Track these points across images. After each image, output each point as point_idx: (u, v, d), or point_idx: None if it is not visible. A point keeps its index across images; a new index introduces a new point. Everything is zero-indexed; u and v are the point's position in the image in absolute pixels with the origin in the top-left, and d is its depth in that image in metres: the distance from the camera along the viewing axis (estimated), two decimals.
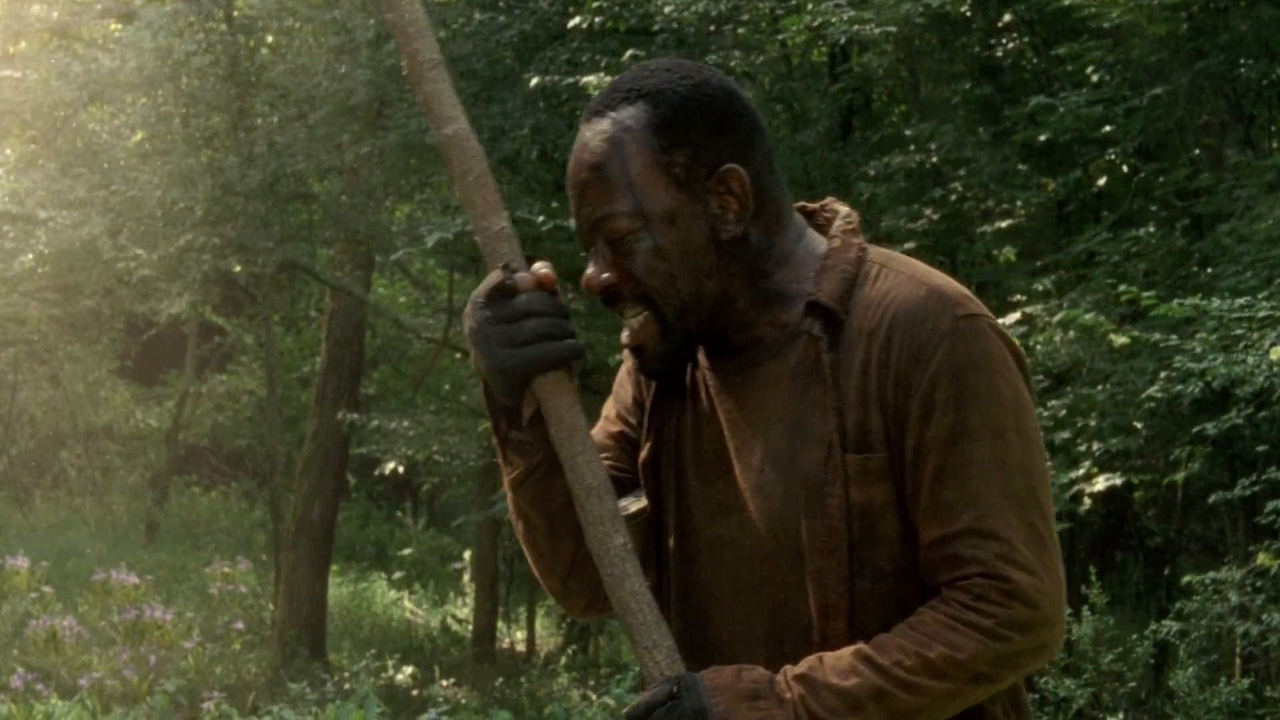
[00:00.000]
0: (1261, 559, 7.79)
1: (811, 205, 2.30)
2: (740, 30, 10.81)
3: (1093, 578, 7.90)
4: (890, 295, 2.14)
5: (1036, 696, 7.94)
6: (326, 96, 12.24)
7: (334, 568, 15.93)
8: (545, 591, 2.38)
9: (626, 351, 2.28)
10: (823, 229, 2.26)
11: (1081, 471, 8.33)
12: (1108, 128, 9.25)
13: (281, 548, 14.30)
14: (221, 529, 19.41)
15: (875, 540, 2.12)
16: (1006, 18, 10.05)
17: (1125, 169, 9.86)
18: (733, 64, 10.70)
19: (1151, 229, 9.14)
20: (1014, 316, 8.81)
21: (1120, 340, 8.10)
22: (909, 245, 9.67)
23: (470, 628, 15.69)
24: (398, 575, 18.70)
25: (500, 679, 13.53)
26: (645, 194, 2.15)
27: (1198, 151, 9.88)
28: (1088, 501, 8.45)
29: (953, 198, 9.91)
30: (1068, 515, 8.50)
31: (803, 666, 2.08)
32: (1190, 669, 7.56)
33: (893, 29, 9.48)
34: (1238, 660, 8.42)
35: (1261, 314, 7.33)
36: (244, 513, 20.49)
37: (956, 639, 2.05)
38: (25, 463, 20.40)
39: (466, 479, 16.27)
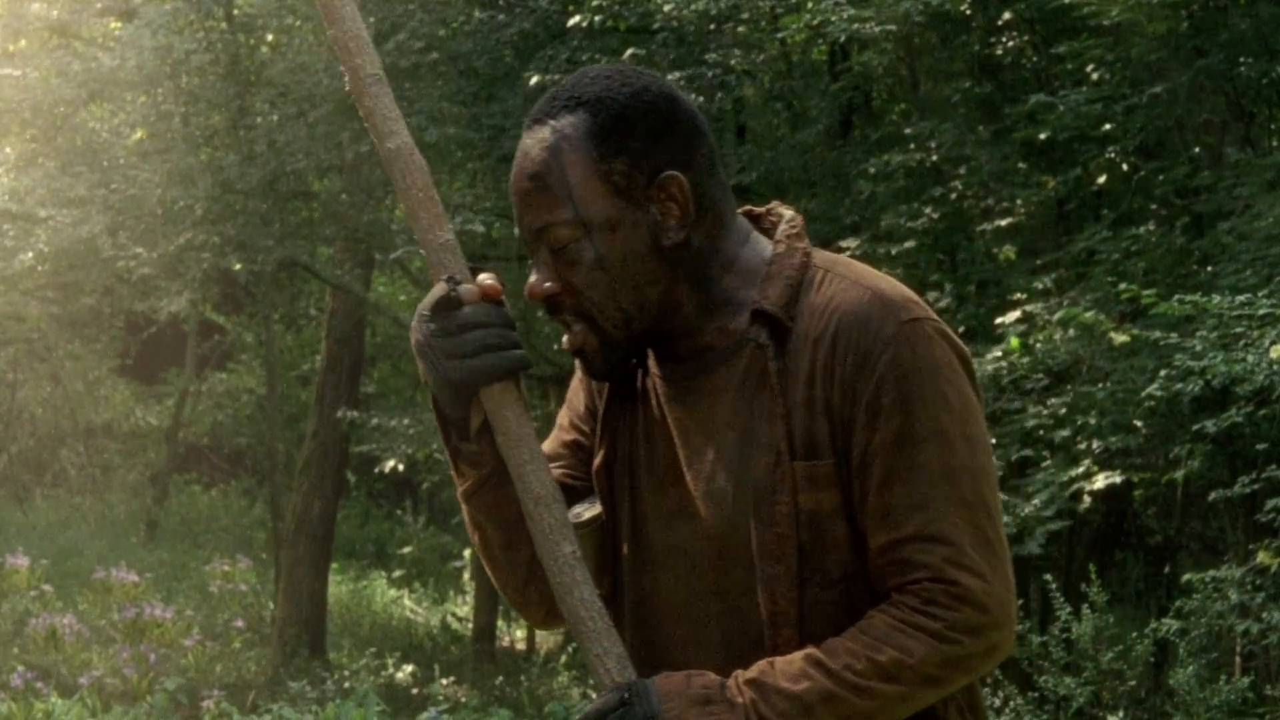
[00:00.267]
0: (1261, 557, 7.78)
1: (758, 209, 2.30)
2: (740, 29, 10.80)
3: (1093, 576, 7.89)
4: (835, 301, 2.14)
5: (1036, 695, 7.95)
6: (326, 95, 12.22)
7: (334, 566, 15.93)
8: None
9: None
10: (769, 232, 2.26)
11: (1081, 470, 8.33)
12: (1108, 126, 9.24)
13: (281, 546, 14.31)
14: (221, 527, 19.41)
15: (824, 546, 2.13)
16: (1006, 16, 10.03)
17: (1125, 167, 9.85)
18: (732, 62, 10.70)
19: (1151, 227, 9.14)
20: (1014, 315, 8.81)
21: (1120, 338, 8.10)
22: (909, 244, 9.68)
23: (470, 626, 15.68)
24: (398, 573, 18.70)
25: (500, 677, 13.53)
26: (585, 203, 2.15)
27: (1198, 150, 9.87)
28: (1087, 499, 8.45)
29: (952, 196, 9.90)
30: (1068, 514, 8.50)
31: (754, 671, 2.09)
32: (1190, 667, 7.55)
33: (892, 27, 9.48)
34: (1238, 658, 8.42)
35: (1261, 312, 7.32)
36: (244, 511, 20.50)
37: (906, 642, 2.06)
38: (25, 461, 20.41)
39: None
